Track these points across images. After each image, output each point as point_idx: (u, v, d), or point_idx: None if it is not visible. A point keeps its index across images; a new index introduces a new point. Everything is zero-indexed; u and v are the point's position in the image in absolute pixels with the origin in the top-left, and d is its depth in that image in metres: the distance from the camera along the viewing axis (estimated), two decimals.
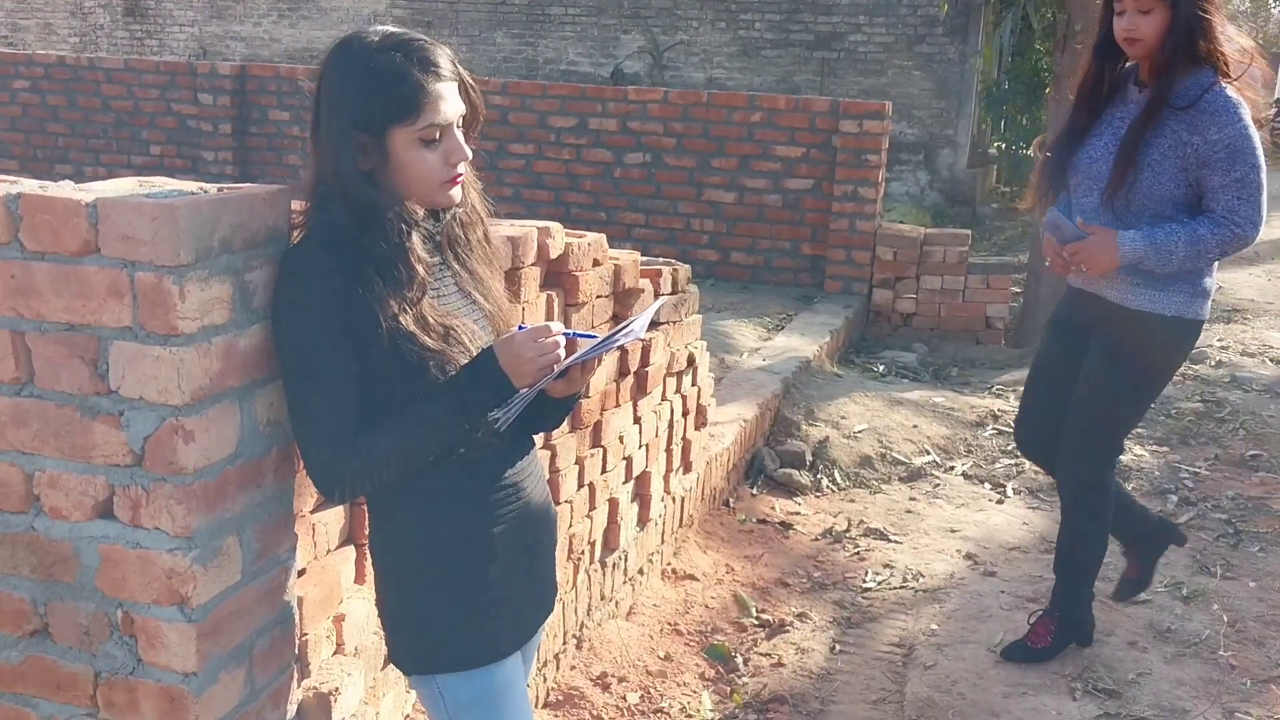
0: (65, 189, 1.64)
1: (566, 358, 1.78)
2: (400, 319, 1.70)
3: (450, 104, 1.74)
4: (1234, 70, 2.95)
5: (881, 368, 6.55)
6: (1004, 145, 14.16)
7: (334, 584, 2.11)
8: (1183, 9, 2.88)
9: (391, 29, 1.76)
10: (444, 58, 1.75)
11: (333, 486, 1.76)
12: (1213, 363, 6.80)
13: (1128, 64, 3.14)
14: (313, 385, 1.71)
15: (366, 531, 2.08)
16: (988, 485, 4.96)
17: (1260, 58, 3.03)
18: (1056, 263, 3.16)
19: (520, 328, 1.78)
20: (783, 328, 6.60)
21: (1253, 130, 2.92)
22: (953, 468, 5.13)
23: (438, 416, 1.74)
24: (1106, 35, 3.05)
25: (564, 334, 1.78)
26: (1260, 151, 2.95)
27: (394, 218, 1.72)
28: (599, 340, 1.78)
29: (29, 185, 1.66)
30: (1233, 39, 2.98)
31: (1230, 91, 2.92)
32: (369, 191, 1.70)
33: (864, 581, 4.01)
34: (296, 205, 1.80)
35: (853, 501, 4.75)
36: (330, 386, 1.70)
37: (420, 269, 1.74)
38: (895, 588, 3.98)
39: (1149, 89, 3.00)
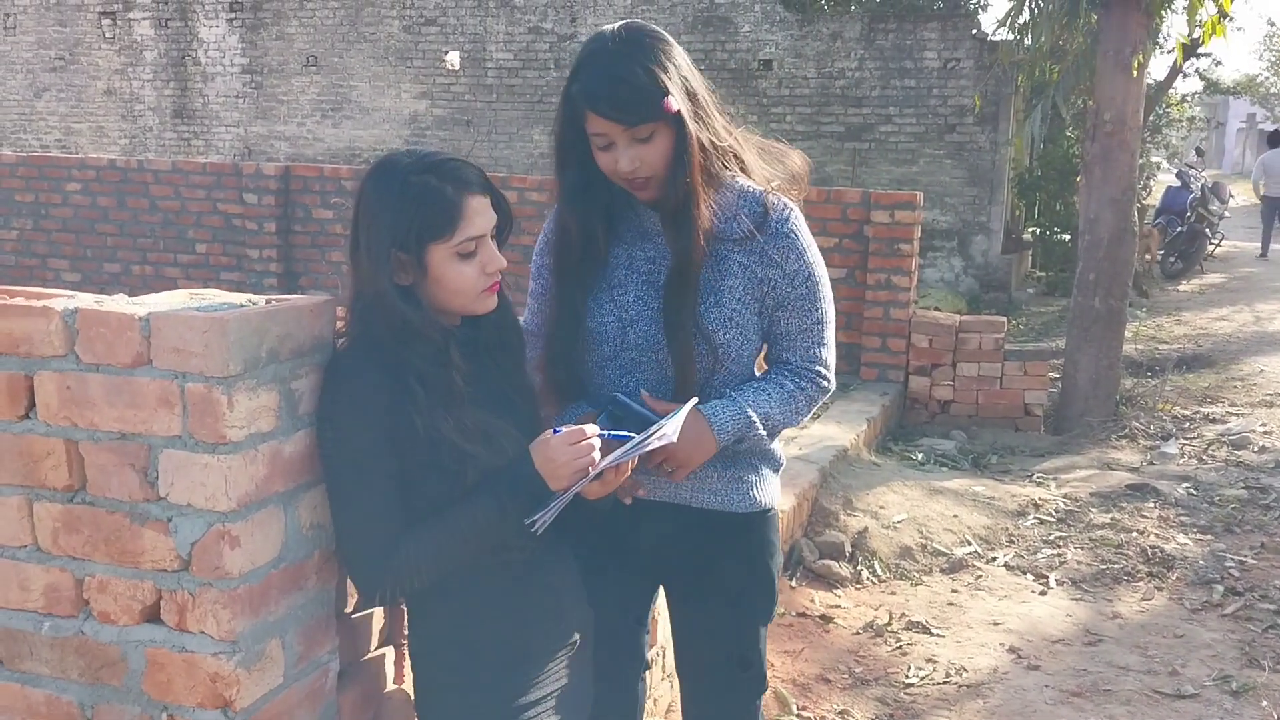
0: (119, 303, 1.71)
1: (601, 460, 1.81)
2: (441, 427, 1.75)
3: (484, 217, 1.83)
4: (759, 174, 2.16)
5: (920, 456, 6.52)
6: (1038, 231, 14.21)
7: (373, 685, 2.13)
8: (690, 124, 2.00)
9: (425, 150, 1.86)
10: (475, 174, 1.84)
11: (373, 589, 1.80)
12: (1256, 448, 6.73)
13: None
14: (354, 491, 1.75)
15: (405, 632, 2.10)
16: (1030, 576, 4.90)
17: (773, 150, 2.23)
18: (613, 480, 1.88)
19: (555, 430, 1.82)
20: (819, 416, 6.60)
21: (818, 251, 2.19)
22: (994, 558, 5.07)
23: (476, 520, 1.77)
24: (579, 178, 2.08)
25: (600, 435, 1.82)
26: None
27: (432, 332, 1.78)
28: (632, 443, 1.82)
29: (85, 300, 1.73)
30: (734, 133, 2.15)
31: (788, 201, 2.15)
32: (406, 308, 1.77)
33: (906, 677, 3.96)
34: (341, 311, 1.87)
35: (893, 593, 4.70)
36: (371, 493, 1.75)
37: (459, 379, 1.79)
38: (938, 683, 3.93)
39: (665, 230, 2.08)
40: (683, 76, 2.02)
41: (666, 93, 1.97)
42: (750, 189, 2.12)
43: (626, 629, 2.33)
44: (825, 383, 2.21)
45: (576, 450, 1.77)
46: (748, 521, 2.22)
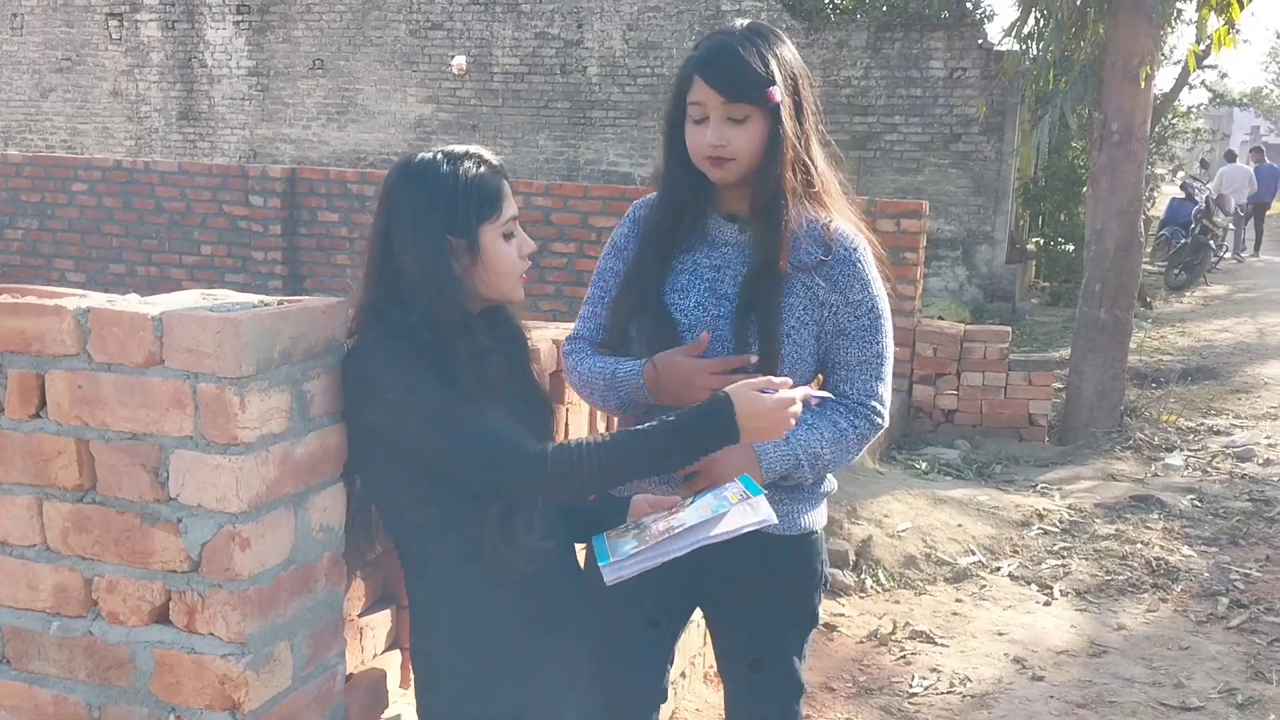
0: (132, 303, 1.70)
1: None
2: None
3: (512, 200, 1.89)
4: (838, 201, 2.15)
5: (924, 465, 6.52)
6: (1043, 241, 14.21)
7: (380, 689, 2.12)
8: (786, 121, 2.03)
9: (444, 147, 1.87)
10: (497, 161, 1.90)
11: (538, 474, 1.76)
12: (1260, 461, 6.72)
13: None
14: (466, 415, 1.75)
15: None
16: (1034, 586, 4.89)
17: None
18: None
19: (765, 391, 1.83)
20: None
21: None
22: (998, 568, 5.06)
23: (655, 441, 1.80)
24: (684, 154, 2.09)
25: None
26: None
27: (470, 330, 1.81)
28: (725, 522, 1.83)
29: (97, 299, 1.72)
30: (825, 161, 2.16)
31: (856, 234, 2.13)
32: (460, 299, 1.80)
33: (910, 686, 3.95)
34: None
35: (898, 603, 4.69)
36: (479, 409, 1.76)
37: (497, 372, 1.82)
38: (942, 693, 3.91)
39: (753, 226, 2.09)
40: (794, 79, 2.06)
41: (773, 82, 2.00)
42: (819, 217, 2.10)
43: (646, 647, 2.26)
44: (879, 419, 2.14)
45: (780, 404, 1.81)
46: (787, 545, 2.15)
